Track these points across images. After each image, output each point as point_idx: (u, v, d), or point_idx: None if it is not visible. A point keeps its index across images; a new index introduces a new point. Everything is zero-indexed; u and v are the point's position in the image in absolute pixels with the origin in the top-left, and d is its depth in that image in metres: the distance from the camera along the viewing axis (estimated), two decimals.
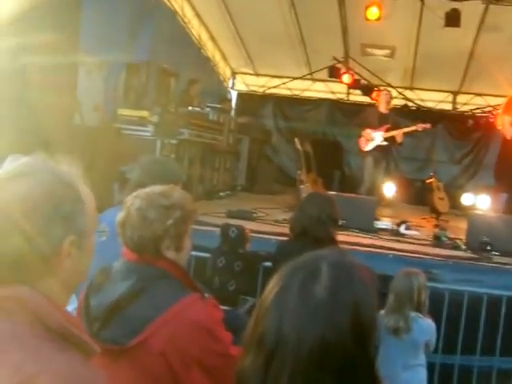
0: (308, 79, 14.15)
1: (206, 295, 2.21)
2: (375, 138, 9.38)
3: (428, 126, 9.65)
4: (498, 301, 5.74)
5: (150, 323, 1.96)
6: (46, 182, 1.32)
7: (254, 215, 7.72)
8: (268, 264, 4.97)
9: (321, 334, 1.13)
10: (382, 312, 4.32)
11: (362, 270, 1.28)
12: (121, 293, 2.03)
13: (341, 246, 6.10)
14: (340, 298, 1.17)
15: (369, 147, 9.42)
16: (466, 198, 10.69)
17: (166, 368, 1.96)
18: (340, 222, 7.31)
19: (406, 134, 9.63)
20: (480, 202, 9.99)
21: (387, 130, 9.37)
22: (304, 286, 1.19)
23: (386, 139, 9.38)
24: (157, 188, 2.23)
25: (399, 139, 9.49)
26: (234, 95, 14.60)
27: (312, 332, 1.13)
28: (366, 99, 12.83)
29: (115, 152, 7.02)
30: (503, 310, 5.71)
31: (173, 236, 2.16)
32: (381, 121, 9.46)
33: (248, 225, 5.96)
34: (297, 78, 13.98)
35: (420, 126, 9.52)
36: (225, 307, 4.23)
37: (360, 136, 9.54)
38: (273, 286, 1.23)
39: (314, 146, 10.89)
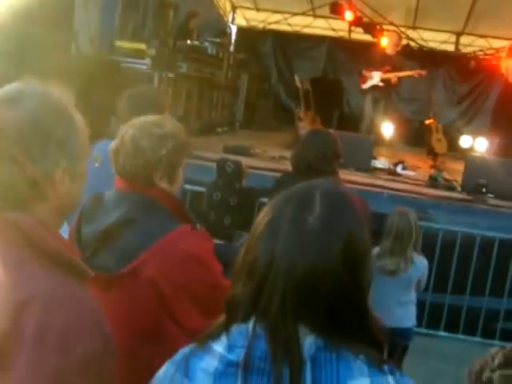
0: (309, 15, 13.86)
1: (198, 226, 2.21)
2: (373, 78, 9.33)
3: (424, 72, 9.63)
4: (491, 242, 5.80)
5: (141, 252, 1.96)
6: (37, 106, 1.29)
7: (251, 151, 7.70)
8: (264, 200, 4.97)
9: (312, 262, 1.13)
10: (376, 249, 4.34)
11: (356, 200, 1.27)
12: (112, 221, 2.02)
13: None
14: (332, 227, 1.16)
15: (366, 85, 9.39)
16: (465, 141, 10.65)
17: (157, 297, 1.98)
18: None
19: (401, 78, 9.58)
20: (478, 144, 9.97)
21: (386, 72, 9.32)
22: (296, 214, 1.17)
23: (382, 80, 9.33)
24: (150, 118, 2.20)
25: (394, 82, 9.43)
26: (233, 30, 14.32)
27: (304, 260, 1.13)
28: (367, 38, 12.60)
29: (112, 84, 6.93)
30: (495, 251, 5.77)
31: (166, 166, 2.14)
32: (384, 61, 9.37)
33: (245, 160, 5.94)
34: (298, 14, 13.70)
35: (416, 72, 9.53)
36: (220, 241, 4.26)
37: (360, 74, 9.46)
38: (265, 215, 1.22)
39: (314, 85, 10.77)
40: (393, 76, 9.34)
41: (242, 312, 1.18)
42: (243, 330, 1.16)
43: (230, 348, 1.16)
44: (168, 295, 1.97)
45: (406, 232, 4.20)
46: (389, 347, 4.39)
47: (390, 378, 1.15)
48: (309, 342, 1.12)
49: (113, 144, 2.13)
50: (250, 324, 1.16)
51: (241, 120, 11.67)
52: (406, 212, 4.33)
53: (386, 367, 1.16)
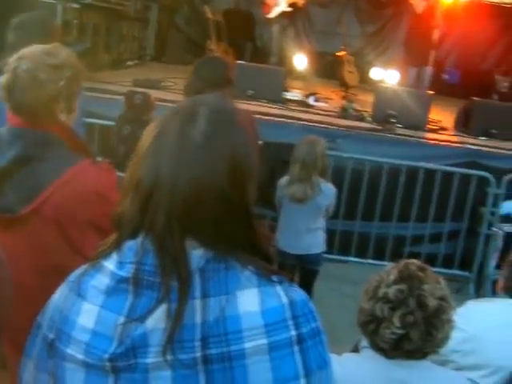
0: None
1: (99, 159, 2.15)
2: (279, 4, 9.16)
3: None
4: (398, 170, 5.97)
5: (42, 190, 1.90)
6: None
7: (162, 84, 7.56)
8: None
9: (196, 177, 1.12)
10: (285, 179, 4.40)
11: (244, 115, 1.26)
12: (8, 160, 1.94)
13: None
14: (217, 142, 1.15)
15: (273, 13, 9.21)
16: (375, 73, 10.78)
17: (60, 234, 1.94)
18: (249, 93, 7.35)
19: (310, 1, 9.41)
20: (389, 76, 10.13)
21: None
22: (181, 129, 1.16)
23: (290, 5, 9.18)
24: (40, 47, 2.08)
25: (301, 4, 9.35)
26: None
27: (187, 174, 1.12)
28: None
29: (10, 16, 6.56)
30: (402, 178, 5.96)
31: (65, 97, 2.06)
32: None
33: (155, 93, 5.82)
34: None
35: None
36: None
37: (263, 3, 9.29)
38: (151, 131, 1.19)
39: (226, 17, 10.60)
40: None
41: (131, 228, 1.17)
42: (133, 246, 1.16)
43: (121, 264, 1.16)
44: (71, 232, 1.94)
45: (312, 160, 4.26)
46: (300, 272, 4.53)
47: (279, 288, 1.17)
48: (197, 254, 1.13)
49: (3, 79, 2.01)
50: (139, 240, 1.15)
51: (152, 53, 11.35)
52: (313, 140, 4.38)
53: (274, 277, 1.18)
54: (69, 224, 1.93)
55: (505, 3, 13.26)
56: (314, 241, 4.48)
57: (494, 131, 7.48)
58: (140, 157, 1.17)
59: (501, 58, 13.39)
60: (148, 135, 1.19)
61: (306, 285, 4.48)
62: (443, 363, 2.50)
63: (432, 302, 1.80)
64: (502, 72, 12.47)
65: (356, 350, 2.07)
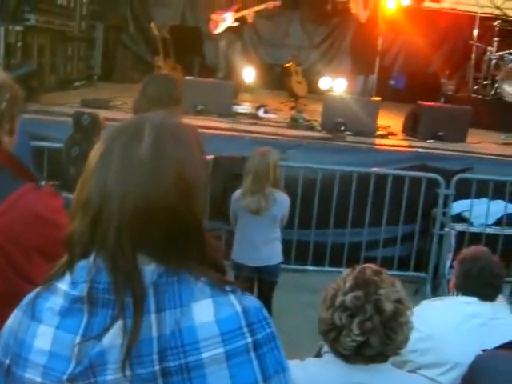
0: None
1: (43, 183, 2.12)
2: (226, 20, 9.15)
3: (278, 2, 9.36)
4: (350, 177, 6.04)
5: None
6: None
7: (111, 103, 7.52)
8: None
9: (144, 192, 1.13)
10: (239, 192, 4.41)
11: (188, 129, 1.28)
12: None
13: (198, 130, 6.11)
14: (163, 157, 1.16)
15: (219, 29, 9.21)
16: (324, 82, 10.91)
17: (6, 260, 1.90)
18: (198, 108, 7.36)
19: (257, 13, 9.44)
20: (337, 85, 10.26)
21: (237, 11, 9.16)
22: (127, 146, 1.17)
23: (236, 19, 9.15)
24: None
25: (250, 19, 9.30)
26: None
27: (135, 190, 1.13)
28: None
29: None
30: (354, 185, 6.03)
31: (8, 119, 2.03)
32: (230, 2, 9.25)
33: (104, 113, 5.78)
34: None
35: (270, 3, 9.28)
36: None
37: (210, 20, 9.31)
38: (97, 150, 1.20)
39: (173, 32, 10.58)
40: (247, 13, 9.15)
41: (82, 248, 1.17)
42: (85, 266, 1.16)
43: (74, 284, 1.16)
44: (17, 258, 1.90)
45: (264, 171, 4.28)
46: (258, 284, 4.54)
47: (232, 297, 1.19)
48: (150, 269, 1.14)
49: None
50: (91, 258, 1.16)
51: (99, 73, 11.26)
52: (265, 152, 4.39)
53: (227, 287, 1.20)
54: (13, 250, 1.89)
55: (444, 8, 13.62)
56: (271, 252, 4.50)
57: (441, 133, 7.66)
58: (87, 175, 1.18)
59: (445, 62, 13.70)
60: (94, 154, 1.20)
61: (266, 296, 4.49)
62: (402, 364, 2.55)
63: (389, 306, 1.84)
64: (447, 75, 12.78)
65: (319, 355, 2.10)
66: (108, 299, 1.13)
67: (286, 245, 5.07)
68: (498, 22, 10.66)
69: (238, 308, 1.18)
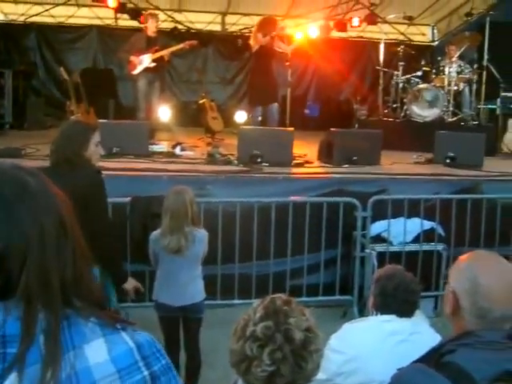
0: (72, 5, 13.46)
1: None
2: (143, 61, 9.24)
3: (195, 42, 9.69)
4: (268, 208, 6.09)
5: None
6: None
7: (23, 152, 7.37)
8: None
9: (3, 248, 1.13)
10: (158, 232, 4.37)
11: (37, 175, 1.27)
12: None
13: (115, 172, 6.06)
14: (21, 208, 1.17)
15: (138, 70, 9.28)
16: (239, 116, 11.07)
17: None
18: (114, 150, 7.30)
19: (175, 53, 9.67)
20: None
21: (155, 52, 9.30)
22: None
23: (154, 60, 9.27)
24: None
25: (166, 58, 9.48)
26: None
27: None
28: (135, 24, 12.50)
29: None
30: (273, 215, 6.07)
31: None
32: (149, 45, 9.35)
33: (17, 162, 5.65)
34: (60, 4, 13.24)
35: (187, 44, 9.54)
36: None
37: (129, 62, 9.36)
38: None
39: (85, 76, 10.51)
40: (165, 52, 9.35)
41: None
42: None
43: None
44: None
45: (181, 210, 4.26)
46: (184, 323, 4.48)
47: (124, 334, 1.21)
48: (39, 318, 1.13)
49: None
50: None
51: (11, 121, 11.01)
52: (180, 190, 4.38)
53: (118, 325, 1.22)
54: None
55: (351, 37, 14.13)
56: (196, 289, 4.45)
57: (354, 158, 7.87)
58: None
59: (356, 88, 14.19)
60: None
61: (193, 334, 4.46)
62: None
63: (298, 335, 1.85)
64: (358, 101, 13.19)
65: None
66: (4, 352, 1.11)
67: (211, 280, 5.04)
68: (402, 47, 11.07)
69: (131, 344, 1.20)
